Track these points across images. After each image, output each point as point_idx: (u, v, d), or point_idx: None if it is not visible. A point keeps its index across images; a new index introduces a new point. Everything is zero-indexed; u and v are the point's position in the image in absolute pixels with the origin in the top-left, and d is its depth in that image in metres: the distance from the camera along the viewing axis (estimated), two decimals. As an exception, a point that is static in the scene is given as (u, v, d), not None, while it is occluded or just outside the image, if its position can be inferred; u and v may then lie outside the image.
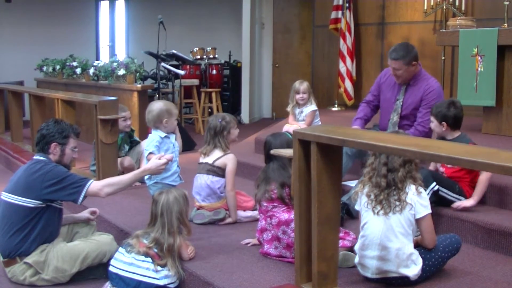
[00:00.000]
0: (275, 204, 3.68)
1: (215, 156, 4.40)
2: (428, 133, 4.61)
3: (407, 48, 4.68)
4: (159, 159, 3.84)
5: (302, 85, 5.68)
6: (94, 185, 3.74)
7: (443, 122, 4.14)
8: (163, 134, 4.16)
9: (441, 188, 3.98)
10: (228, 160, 4.38)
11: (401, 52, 4.63)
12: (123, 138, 5.90)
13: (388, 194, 3.14)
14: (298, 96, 5.69)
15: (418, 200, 3.13)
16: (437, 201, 3.99)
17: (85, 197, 3.75)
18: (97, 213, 4.27)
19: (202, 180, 4.41)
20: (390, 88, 4.85)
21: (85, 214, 4.22)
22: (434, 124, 4.21)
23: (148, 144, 4.19)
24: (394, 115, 4.79)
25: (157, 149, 4.10)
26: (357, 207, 3.33)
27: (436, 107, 4.20)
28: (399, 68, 4.64)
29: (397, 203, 3.11)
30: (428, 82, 4.72)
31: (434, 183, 3.93)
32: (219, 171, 4.38)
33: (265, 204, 3.71)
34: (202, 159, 4.46)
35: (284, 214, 3.63)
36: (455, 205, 4.02)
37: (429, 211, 3.17)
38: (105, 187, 3.77)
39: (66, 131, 3.90)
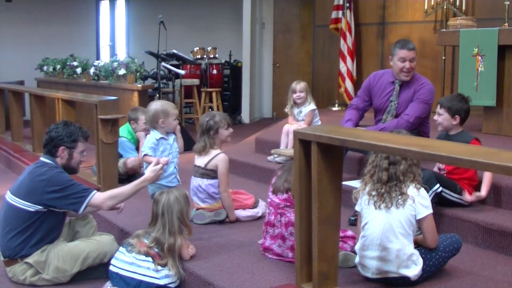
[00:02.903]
0: (287, 203, 3.65)
1: (206, 159, 4.37)
2: (410, 126, 4.58)
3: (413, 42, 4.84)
4: (156, 165, 3.84)
5: (298, 85, 5.75)
6: (96, 197, 3.72)
7: (456, 116, 4.14)
8: (158, 136, 4.16)
9: (443, 190, 3.98)
10: (219, 161, 4.35)
11: (413, 44, 4.77)
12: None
13: (390, 187, 3.14)
14: (295, 95, 5.74)
15: (418, 200, 3.13)
16: (438, 201, 3.99)
17: (86, 207, 3.74)
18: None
19: (197, 183, 4.41)
20: (382, 90, 4.87)
21: None
22: (443, 117, 4.18)
23: (144, 146, 4.20)
24: (388, 116, 4.80)
25: (152, 150, 4.10)
26: (357, 208, 3.33)
27: (448, 101, 4.19)
28: (415, 58, 4.71)
29: (399, 197, 3.11)
30: (421, 80, 4.79)
31: (438, 185, 3.92)
32: (212, 173, 4.36)
33: (277, 201, 3.69)
34: (196, 160, 4.45)
35: None
36: (472, 197, 4.03)
37: (430, 211, 3.17)
38: (107, 200, 3.75)
39: (75, 134, 3.87)
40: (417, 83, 4.73)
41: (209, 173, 4.36)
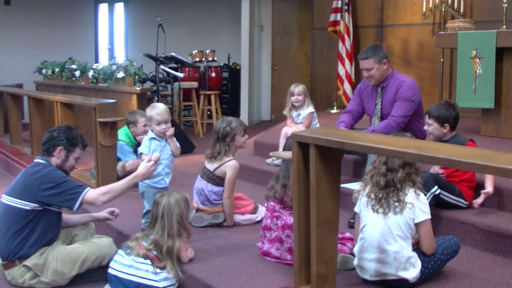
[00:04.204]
0: (282, 205, 3.66)
1: (216, 164, 4.34)
2: (399, 125, 4.63)
3: (375, 48, 4.88)
4: (148, 161, 3.87)
5: (297, 88, 5.77)
6: (90, 193, 3.74)
7: (446, 124, 4.12)
8: (151, 135, 4.19)
9: (442, 192, 3.98)
10: (228, 168, 4.30)
11: (369, 51, 4.80)
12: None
13: (387, 194, 3.14)
14: (293, 98, 5.76)
15: (417, 204, 3.12)
16: (436, 204, 3.99)
17: (81, 204, 3.75)
18: (116, 213, 4.17)
19: (201, 185, 4.39)
20: (370, 95, 4.96)
21: (103, 213, 4.15)
22: (433, 127, 4.16)
23: (141, 145, 4.24)
24: (375, 119, 4.87)
25: (148, 150, 4.13)
26: (356, 209, 3.33)
27: (435, 110, 4.15)
28: (371, 67, 4.75)
29: (397, 204, 3.11)
30: (401, 78, 4.82)
31: (436, 187, 3.92)
32: (218, 180, 4.33)
33: (272, 203, 3.70)
34: (207, 164, 4.43)
35: (291, 218, 3.56)
36: (478, 201, 3.98)
37: (429, 216, 3.16)
38: (101, 196, 3.77)
39: (76, 139, 3.90)
40: (397, 81, 4.78)
41: (216, 179, 4.33)
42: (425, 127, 4.26)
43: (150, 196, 4.13)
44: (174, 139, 4.23)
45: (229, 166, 4.31)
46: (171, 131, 4.14)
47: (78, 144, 3.91)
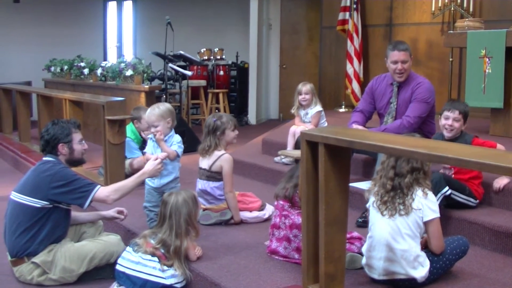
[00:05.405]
0: (289, 204, 3.66)
1: (210, 161, 4.35)
2: (412, 126, 4.63)
3: (406, 43, 4.90)
4: (155, 159, 3.92)
5: (304, 87, 5.76)
6: (101, 191, 3.76)
7: (466, 120, 4.16)
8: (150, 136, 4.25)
9: (452, 192, 3.97)
10: (223, 162, 4.32)
11: (405, 44, 4.83)
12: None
13: (392, 197, 3.13)
14: (300, 97, 5.77)
15: (426, 203, 3.12)
16: (446, 203, 3.98)
17: (91, 202, 3.77)
18: (125, 213, 4.22)
19: (202, 185, 4.40)
20: (383, 93, 4.93)
21: (111, 213, 4.18)
22: (460, 122, 4.11)
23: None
24: (389, 118, 4.84)
25: (150, 149, 4.20)
26: (368, 206, 3.33)
27: (463, 106, 4.14)
28: (407, 59, 4.73)
29: (401, 207, 3.10)
30: (418, 79, 4.82)
31: (447, 188, 3.90)
32: (217, 176, 4.35)
33: (281, 202, 3.70)
34: (201, 163, 4.44)
35: (299, 218, 3.57)
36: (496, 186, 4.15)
37: (437, 215, 3.15)
38: (112, 194, 3.79)
39: (67, 128, 3.90)
40: (414, 82, 4.76)
41: (214, 175, 4.35)
42: (449, 123, 4.13)
43: (146, 193, 4.24)
44: (175, 141, 4.18)
45: (223, 160, 4.34)
46: (158, 135, 4.12)
47: (71, 130, 3.91)
